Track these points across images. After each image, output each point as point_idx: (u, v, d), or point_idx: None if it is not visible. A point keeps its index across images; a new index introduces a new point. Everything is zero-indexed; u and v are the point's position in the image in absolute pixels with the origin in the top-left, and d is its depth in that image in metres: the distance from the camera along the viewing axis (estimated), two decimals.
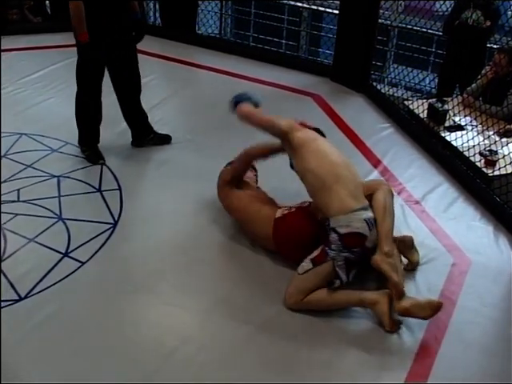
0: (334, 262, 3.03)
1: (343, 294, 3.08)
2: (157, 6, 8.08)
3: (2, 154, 4.37)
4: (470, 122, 5.06)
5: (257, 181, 3.83)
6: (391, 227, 3.18)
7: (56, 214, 3.80)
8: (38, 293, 3.20)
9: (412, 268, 3.45)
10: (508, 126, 4.93)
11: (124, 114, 4.55)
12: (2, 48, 6.17)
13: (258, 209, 3.44)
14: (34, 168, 4.27)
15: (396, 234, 3.70)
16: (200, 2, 7.75)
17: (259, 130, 3.44)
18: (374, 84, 5.97)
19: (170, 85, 5.93)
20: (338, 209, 3.07)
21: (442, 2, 5.95)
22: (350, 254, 3.03)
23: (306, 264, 3.09)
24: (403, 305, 2.99)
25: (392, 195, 3.33)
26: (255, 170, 3.87)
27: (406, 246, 3.44)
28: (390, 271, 3.04)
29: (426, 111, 5.18)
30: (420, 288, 3.34)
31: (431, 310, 2.98)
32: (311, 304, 3.08)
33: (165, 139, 4.69)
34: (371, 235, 3.07)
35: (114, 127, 4.75)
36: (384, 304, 3.01)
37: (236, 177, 3.66)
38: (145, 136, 4.64)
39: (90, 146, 4.47)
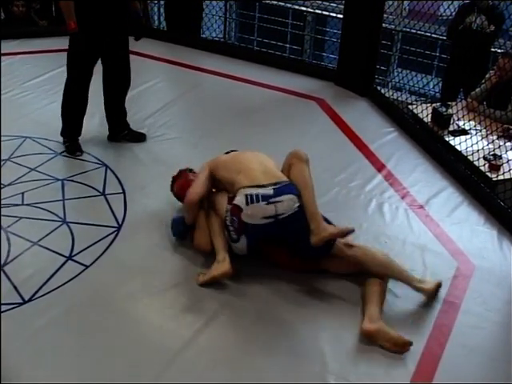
0: (225, 219, 3.29)
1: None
2: (161, 10, 8.10)
3: (6, 158, 4.39)
4: (474, 126, 5.06)
5: None
6: (312, 200, 3.23)
7: (60, 218, 3.80)
8: (41, 296, 3.20)
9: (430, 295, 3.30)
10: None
11: (106, 108, 4.68)
12: (7, 52, 6.22)
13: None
14: (38, 171, 4.28)
15: (400, 238, 3.73)
16: (204, 6, 7.76)
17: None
18: (378, 88, 5.97)
19: (174, 88, 5.93)
20: (235, 189, 3.32)
21: (446, 7, 5.95)
22: (233, 220, 3.23)
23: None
24: (368, 327, 2.94)
25: (306, 164, 3.39)
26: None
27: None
28: (325, 237, 3.14)
29: (430, 115, 5.18)
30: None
31: (395, 345, 2.90)
32: None
33: (139, 137, 4.78)
34: (246, 209, 3.19)
35: None
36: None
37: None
38: (120, 132, 4.75)
39: (70, 138, 4.56)
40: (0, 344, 2.78)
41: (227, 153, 3.75)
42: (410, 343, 2.91)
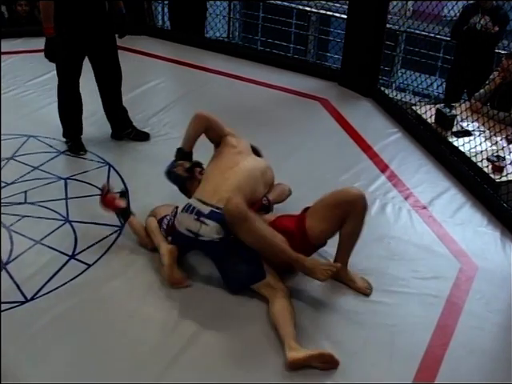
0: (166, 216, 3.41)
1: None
2: (165, 10, 8.11)
3: (9, 156, 4.39)
4: (478, 127, 5.05)
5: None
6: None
7: (63, 216, 3.81)
8: (44, 295, 3.20)
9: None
10: None
11: (104, 107, 4.70)
12: (11, 50, 6.24)
13: None
14: (41, 170, 4.28)
15: (403, 238, 3.73)
16: (208, 6, 7.77)
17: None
18: (382, 89, 5.96)
19: (178, 88, 5.94)
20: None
21: (450, 8, 5.94)
22: (169, 219, 3.36)
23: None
24: (295, 355, 2.81)
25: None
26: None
27: None
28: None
29: (433, 116, 5.18)
30: (426, 293, 3.33)
31: (325, 362, 2.81)
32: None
33: (143, 136, 4.80)
34: (179, 215, 3.28)
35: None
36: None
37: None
38: (123, 129, 4.77)
39: (72, 138, 4.58)
40: (0, 344, 2.78)
41: (253, 148, 3.75)
42: (331, 356, 2.82)
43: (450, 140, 4.92)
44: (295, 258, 3.08)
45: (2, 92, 5.38)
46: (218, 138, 3.66)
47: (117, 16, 4.42)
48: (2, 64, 5.99)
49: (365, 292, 3.30)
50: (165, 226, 3.38)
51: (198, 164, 3.73)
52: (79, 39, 4.26)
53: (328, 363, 2.82)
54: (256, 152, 3.78)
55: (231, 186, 3.30)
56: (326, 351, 2.84)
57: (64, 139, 4.60)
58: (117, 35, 4.53)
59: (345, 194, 3.23)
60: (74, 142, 4.56)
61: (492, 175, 4.42)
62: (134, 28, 4.68)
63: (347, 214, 3.19)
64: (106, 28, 4.36)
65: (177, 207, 3.38)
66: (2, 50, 5.94)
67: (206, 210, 3.20)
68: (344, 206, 3.19)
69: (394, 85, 6.87)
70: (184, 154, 3.63)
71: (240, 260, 3.17)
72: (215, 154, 3.61)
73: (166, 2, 8.03)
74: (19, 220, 3.74)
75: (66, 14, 4.14)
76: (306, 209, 3.33)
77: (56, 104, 4.56)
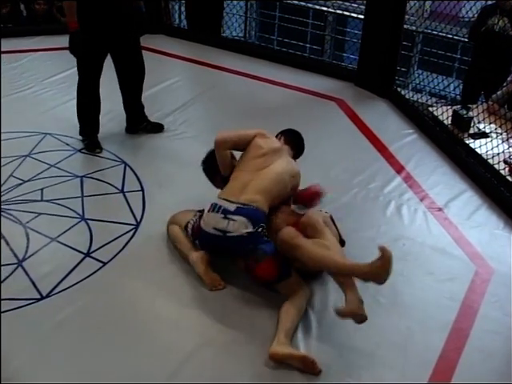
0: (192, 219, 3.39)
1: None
2: (182, 9, 8.12)
3: (26, 154, 4.43)
4: (495, 129, 5.02)
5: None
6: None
7: (79, 214, 3.82)
8: (59, 292, 3.21)
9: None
10: None
11: (125, 102, 4.76)
12: (29, 48, 6.28)
13: None
14: (57, 168, 4.30)
15: (418, 240, 3.71)
16: (225, 5, 7.77)
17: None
18: (399, 89, 5.94)
19: (194, 87, 5.94)
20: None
21: (468, 9, 5.91)
22: (195, 222, 3.34)
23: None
24: (277, 350, 2.83)
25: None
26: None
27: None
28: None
29: (450, 118, 5.15)
30: (441, 296, 3.31)
31: (305, 365, 2.80)
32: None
33: (158, 128, 4.88)
34: (206, 215, 3.27)
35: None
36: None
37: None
38: (138, 123, 4.83)
39: (89, 136, 4.60)
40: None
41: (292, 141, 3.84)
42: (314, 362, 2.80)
43: (467, 142, 4.89)
44: (358, 269, 2.91)
45: (19, 90, 5.44)
46: (248, 145, 3.63)
47: (136, 14, 4.44)
48: (20, 62, 6.05)
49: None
50: (190, 231, 3.37)
51: None
52: (100, 37, 4.29)
53: (309, 368, 2.80)
54: (296, 146, 3.86)
55: (259, 186, 3.35)
56: (310, 357, 2.81)
57: (80, 137, 4.61)
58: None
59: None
60: (90, 141, 4.58)
61: (509, 177, 4.39)
62: (151, 27, 4.70)
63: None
64: (126, 25, 4.38)
65: (199, 211, 3.38)
66: (20, 48, 6.00)
67: (232, 207, 3.23)
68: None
69: (410, 86, 6.84)
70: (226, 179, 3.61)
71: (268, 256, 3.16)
72: (243, 154, 3.61)
73: (182, 1, 8.04)
74: (35, 217, 3.76)
75: (88, 12, 4.19)
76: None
77: (72, 102, 4.60)
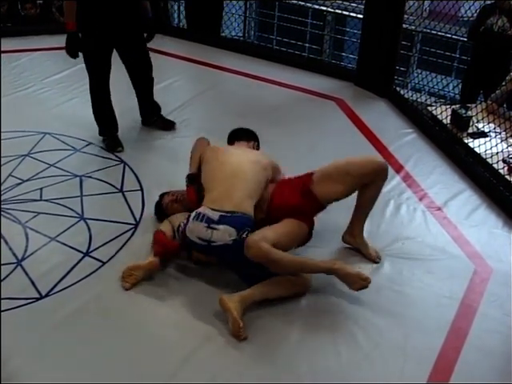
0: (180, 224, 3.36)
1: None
2: (181, 8, 8.13)
3: (25, 153, 4.43)
4: (494, 128, 5.03)
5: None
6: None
7: (78, 214, 3.82)
8: (58, 291, 3.22)
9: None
10: None
11: (138, 95, 4.81)
12: (28, 48, 6.28)
13: None
14: (56, 167, 4.30)
15: (417, 240, 3.72)
16: (224, 5, 7.77)
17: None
18: (398, 89, 5.94)
19: (193, 87, 5.94)
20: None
21: (467, 8, 5.91)
22: (181, 227, 3.31)
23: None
24: (227, 299, 3.00)
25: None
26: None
27: None
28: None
29: (449, 117, 5.15)
30: (440, 295, 3.31)
31: (232, 325, 2.98)
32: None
33: (168, 125, 4.93)
34: (190, 224, 3.24)
35: (137, 128, 4.82)
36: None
37: None
38: (154, 114, 4.92)
39: (108, 135, 4.61)
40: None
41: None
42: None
43: (466, 141, 4.89)
44: (334, 267, 3.17)
45: (18, 89, 5.44)
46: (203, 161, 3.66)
47: (143, 20, 4.47)
48: (19, 61, 6.05)
49: (374, 260, 3.53)
50: (180, 234, 3.36)
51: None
52: (104, 34, 4.29)
53: (235, 331, 2.96)
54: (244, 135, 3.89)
55: (238, 191, 3.32)
56: (239, 321, 2.94)
57: (81, 134, 4.62)
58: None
59: (371, 164, 3.46)
60: (110, 140, 4.59)
61: (508, 177, 4.39)
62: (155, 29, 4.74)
63: (371, 182, 3.44)
64: (130, 22, 4.39)
65: (189, 215, 3.35)
66: (19, 48, 6.00)
67: (215, 216, 3.21)
68: (371, 175, 3.42)
69: (409, 85, 6.85)
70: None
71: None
72: (204, 170, 3.57)
73: (182, 1, 8.04)
74: (35, 217, 3.76)
75: (91, 9, 4.20)
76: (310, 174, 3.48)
77: (73, 102, 4.63)
